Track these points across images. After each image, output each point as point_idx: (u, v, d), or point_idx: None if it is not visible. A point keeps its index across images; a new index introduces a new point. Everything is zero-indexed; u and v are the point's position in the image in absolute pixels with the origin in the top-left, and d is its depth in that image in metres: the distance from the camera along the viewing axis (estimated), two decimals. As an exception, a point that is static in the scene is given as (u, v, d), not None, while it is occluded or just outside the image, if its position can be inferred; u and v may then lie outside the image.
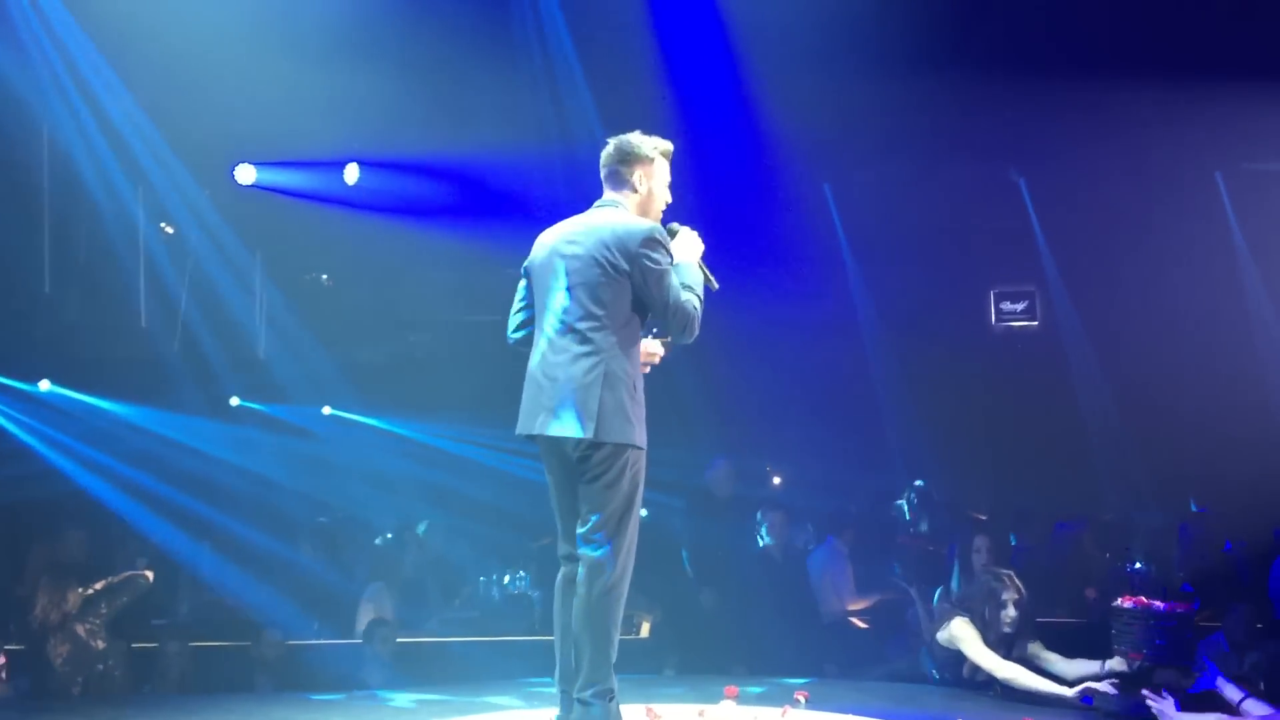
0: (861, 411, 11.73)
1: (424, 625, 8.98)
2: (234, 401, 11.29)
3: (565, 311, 4.54)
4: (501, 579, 9.97)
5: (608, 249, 4.52)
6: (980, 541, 7.57)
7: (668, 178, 4.78)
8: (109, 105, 9.32)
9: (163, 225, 10.55)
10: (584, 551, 4.50)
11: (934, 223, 11.03)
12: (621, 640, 4.58)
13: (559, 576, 4.68)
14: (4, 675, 7.15)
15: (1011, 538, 9.12)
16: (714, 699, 5.67)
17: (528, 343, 4.70)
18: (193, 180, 10.09)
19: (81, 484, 9.55)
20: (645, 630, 8.62)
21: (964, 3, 9.15)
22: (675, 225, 4.78)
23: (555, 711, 4.71)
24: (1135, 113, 9.60)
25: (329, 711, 6.28)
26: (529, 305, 4.74)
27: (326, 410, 11.74)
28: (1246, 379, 10.70)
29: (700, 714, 5.47)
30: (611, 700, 4.50)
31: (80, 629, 7.31)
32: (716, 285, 4.77)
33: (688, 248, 4.72)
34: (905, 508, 10.49)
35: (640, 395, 4.57)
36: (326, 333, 11.15)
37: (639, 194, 4.72)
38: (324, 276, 12.08)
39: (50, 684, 7.21)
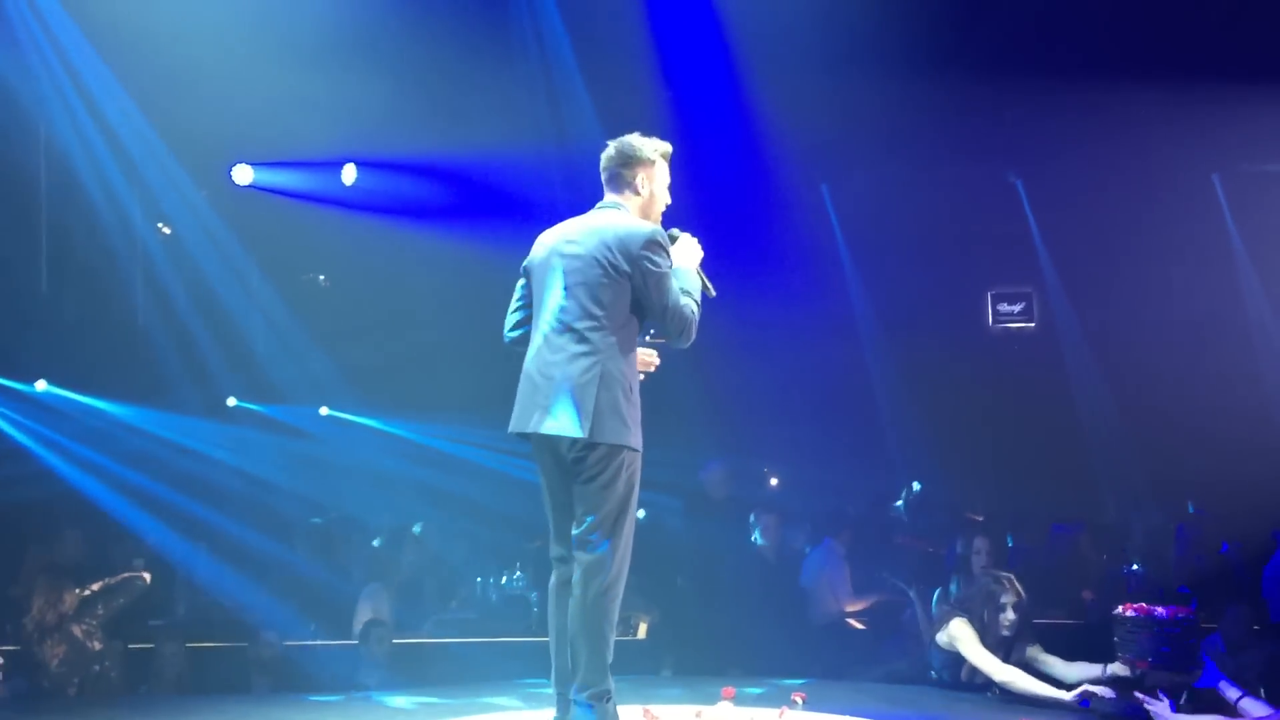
0: (859, 412, 11.73)
1: (421, 626, 8.95)
2: (231, 402, 11.26)
3: (564, 311, 4.52)
4: (498, 580, 9.95)
5: (609, 250, 4.50)
6: (980, 543, 7.58)
7: (668, 179, 4.77)
8: (106, 105, 9.32)
9: (160, 225, 10.55)
10: (580, 553, 4.48)
11: (931, 224, 11.04)
12: (618, 641, 4.56)
13: (552, 579, 4.65)
14: (0, 676, 7.14)
15: (1008, 539, 9.14)
16: (711, 700, 5.65)
17: (524, 342, 4.67)
18: (190, 180, 10.09)
19: (78, 484, 9.51)
20: (642, 631, 8.61)
21: (962, 4, 9.17)
22: (676, 231, 4.77)
23: (553, 713, 4.70)
24: (1132, 114, 9.61)
25: (326, 713, 6.27)
26: (526, 305, 4.71)
27: (324, 411, 11.73)
28: (1244, 380, 10.69)
29: (697, 715, 5.45)
30: (609, 701, 4.48)
31: (77, 630, 7.31)
32: (714, 292, 4.77)
33: (688, 254, 4.71)
34: (903, 509, 10.50)
35: (636, 398, 4.54)
36: (323, 333, 11.13)
37: (641, 196, 4.70)
38: (321, 277, 12.07)
39: (46, 685, 7.20)
